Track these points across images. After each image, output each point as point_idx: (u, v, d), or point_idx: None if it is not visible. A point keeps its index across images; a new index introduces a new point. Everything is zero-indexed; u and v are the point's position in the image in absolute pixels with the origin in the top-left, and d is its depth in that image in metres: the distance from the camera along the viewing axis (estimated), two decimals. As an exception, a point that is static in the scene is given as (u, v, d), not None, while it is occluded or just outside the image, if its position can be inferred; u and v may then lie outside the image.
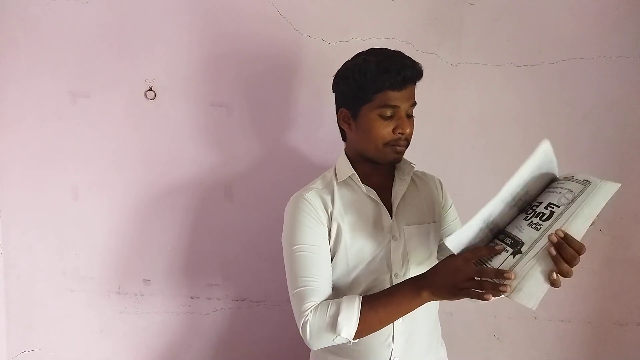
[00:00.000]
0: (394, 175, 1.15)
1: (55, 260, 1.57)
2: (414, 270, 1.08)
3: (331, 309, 0.97)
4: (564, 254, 0.80)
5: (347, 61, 1.07)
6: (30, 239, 1.56)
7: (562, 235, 0.81)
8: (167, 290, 1.59)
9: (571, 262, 0.80)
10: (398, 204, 1.10)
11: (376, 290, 1.06)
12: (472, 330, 1.62)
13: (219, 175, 1.53)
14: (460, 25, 1.45)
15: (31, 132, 1.50)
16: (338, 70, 1.08)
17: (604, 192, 0.83)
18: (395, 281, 1.07)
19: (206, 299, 1.59)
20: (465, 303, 1.60)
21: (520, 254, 0.84)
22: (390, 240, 1.08)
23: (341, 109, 1.08)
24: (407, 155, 1.54)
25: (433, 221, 1.15)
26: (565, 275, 0.80)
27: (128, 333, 1.62)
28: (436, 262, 1.12)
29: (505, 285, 0.81)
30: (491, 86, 1.48)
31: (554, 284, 0.81)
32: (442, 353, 1.21)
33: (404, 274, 1.08)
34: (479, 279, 0.85)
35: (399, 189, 1.12)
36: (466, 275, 0.86)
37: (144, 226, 1.55)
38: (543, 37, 1.44)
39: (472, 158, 1.52)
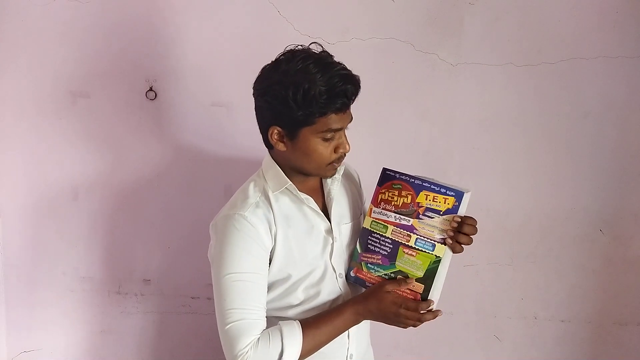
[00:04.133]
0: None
1: (55, 260, 1.57)
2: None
3: (274, 346, 0.92)
4: (466, 230, 0.96)
5: (274, 71, 0.94)
6: (30, 239, 1.56)
7: (459, 220, 0.96)
8: (167, 290, 1.59)
9: (473, 233, 0.97)
10: (333, 205, 1.07)
11: (328, 294, 1.06)
12: (472, 330, 1.62)
13: (219, 175, 1.53)
14: (460, 25, 1.45)
15: (31, 132, 1.50)
16: (265, 80, 0.95)
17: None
18: (340, 281, 1.08)
19: (206, 299, 1.59)
20: (466, 303, 1.61)
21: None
22: (332, 243, 1.06)
23: (273, 127, 0.96)
24: (407, 155, 1.55)
25: (360, 214, 1.16)
26: (468, 243, 0.97)
27: (128, 333, 1.62)
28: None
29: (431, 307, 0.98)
30: (491, 86, 1.47)
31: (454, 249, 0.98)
32: (371, 350, 1.23)
33: (344, 272, 1.09)
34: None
35: (331, 190, 1.08)
36: (406, 315, 0.98)
37: (144, 226, 1.55)
38: (543, 37, 1.44)
39: (472, 158, 1.52)
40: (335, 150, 0.97)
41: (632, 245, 1.54)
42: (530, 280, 1.58)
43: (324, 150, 0.96)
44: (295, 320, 0.99)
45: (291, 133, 0.95)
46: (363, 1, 1.44)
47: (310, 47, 0.97)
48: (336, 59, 1.00)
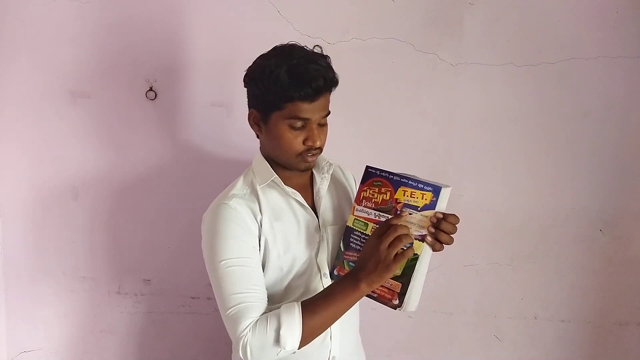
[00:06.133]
0: (312, 172, 1.12)
1: (55, 260, 1.57)
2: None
3: (271, 323, 0.92)
4: (444, 228, 0.92)
5: (260, 57, 0.99)
6: (30, 239, 1.56)
7: (440, 216, 0.93)
8: (167, 290, 1.59)
9: (452, 232, 0.93)
10: (321, 204, 1.08)
11: (310, 292, 1.05)
12: (472, 330, 1.62)
13: (219, 175, 1.52)
14: (460, 25, 1.45)
15: (31, 132, 1.50)
16: (250, 66, 1.00)
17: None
18: (325, 281, 1.07)
19: (206, 299, 1.59)
20: (465, 303, 1.61)
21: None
22: (319, 242, 1.06)
23: (251, 109, 1.01)
24: (407, 155, 1.55)
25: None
26: (448, 242, 0.93)
27: (128, 333, 1.62)
28: None
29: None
30: (491, 86, 1.48)
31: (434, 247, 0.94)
32: (362, 352, 1.21)
33: (329, 273, 1.08)
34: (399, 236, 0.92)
35: (320, 189, 1.08)
36: (386, 242, 0.91)
37: (144, 226, 1.55)
38: (543, 37, 1.44)
39: (472, 158, 1.52)
40: (304, 142, 0.98)
41: (632, 245, 1.54)
42: (530, 280, 1.58)
43: (291, 138, 0.97)
44: (296, 302, 0.97)
45: (264, 117, 0.98)
46: (363, 1, 1.44)
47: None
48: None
